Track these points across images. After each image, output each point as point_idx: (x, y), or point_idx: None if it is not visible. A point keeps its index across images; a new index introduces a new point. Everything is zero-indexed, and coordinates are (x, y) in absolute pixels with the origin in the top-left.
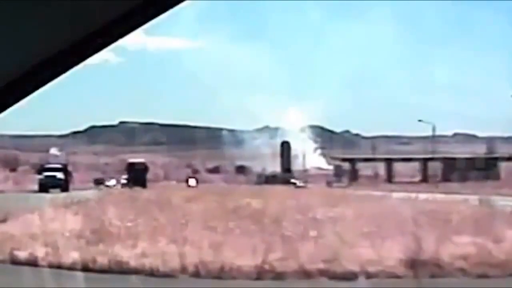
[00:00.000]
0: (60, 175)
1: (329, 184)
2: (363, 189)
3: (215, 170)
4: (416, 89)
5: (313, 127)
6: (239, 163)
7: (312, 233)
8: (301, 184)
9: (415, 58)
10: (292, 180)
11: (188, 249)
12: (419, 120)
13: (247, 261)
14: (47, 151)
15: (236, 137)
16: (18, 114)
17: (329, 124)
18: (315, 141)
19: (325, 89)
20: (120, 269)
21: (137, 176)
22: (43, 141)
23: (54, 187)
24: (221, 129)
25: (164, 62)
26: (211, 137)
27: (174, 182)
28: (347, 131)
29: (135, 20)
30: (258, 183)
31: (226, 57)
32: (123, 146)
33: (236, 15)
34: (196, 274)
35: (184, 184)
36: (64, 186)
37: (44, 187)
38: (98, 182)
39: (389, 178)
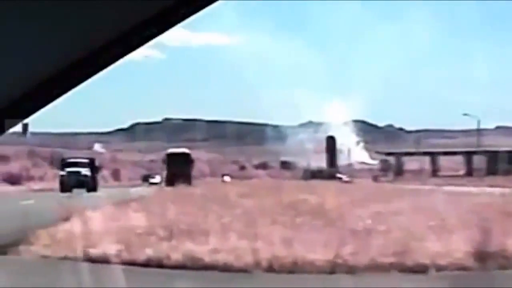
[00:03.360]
0: (85, 171)
1: (375, 178)
2: (410, 183)
3: (260, 166)
4: (457, 84)
5: (356, 121)
6: (283, 158)
7: (380, 227)
8: (347, 179)
9: (456, 53)
10: (338, 175)
11: (260, 244)
12: (464, 114)
13: (320, 256)
14: (92, 148)
15: (280, 133)
16: (62, 112)
17: (372, 119)
18: (358, 136)
19: (367, 83)
20: (195, 265)
21: (180, 170)
22: (87, 139)
23: (78, 186)
24: (264, 125)
25: (206, 58)
26: (254, 133)
27: (228, 178)
28: (390, 125)
29: (167, 20)
30: (304, 178)
31: (268, 52)
32: (167, 142)
33: (278, 10)
34: (270, 269)
35: (235, 180)
36: (90, 184)
37: (66, 185)
38: (145, 178)
39: (434, 172)
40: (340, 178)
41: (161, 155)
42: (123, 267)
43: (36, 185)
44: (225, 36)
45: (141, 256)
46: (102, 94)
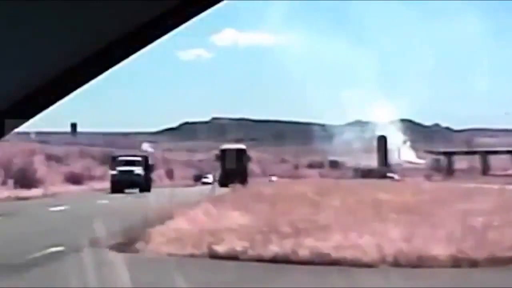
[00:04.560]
0: (138, 170)
1: (427, 177)
2: (464, 182)
3: (311, 165)
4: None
5: (402, 120)
6: (331, 157)
7: (493, 223)
8: (398, 178)
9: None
10: (389, 174)
11: (381, 240)
12: (506, 113)
13: (441, 250)
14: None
15: (327, 132)
16: (110, 112)
17: (418, 118)
18: (405, 135)
19: (414, 83)
20: (323, 261)
21: (236, 168)
22: (137, 138)
23: (130, 185)
24: (312, 124)
25: (254, 58)
26: (301, 132)
27: (275, 178)
28: (437, 124)
29: (172, 20)
30: (355, 177)
31: (315, 52)
32: (216, 142)
33: (325, 9)
34: (396, 264)
35: (290, 180)
36: (144, 184)
37: (117, 185)
38: (197, 178)
39: (484, 171)
40: (391, 177)
41: (209, 154)
42: (255, 263)
43: (97, 185)
44: (273, 36)
45: (267, 253)
46: (152, 93)
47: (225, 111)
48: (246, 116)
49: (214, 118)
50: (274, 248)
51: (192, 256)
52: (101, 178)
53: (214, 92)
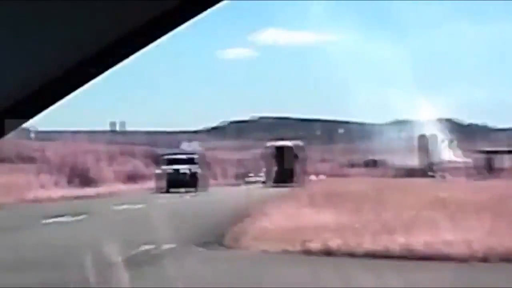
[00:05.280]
0: (186, 169)
1: (471, 176)
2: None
3: (354, 164)
4: None
5: (443, 119)
6: (371, 156)
7: None
8: (442, 177)
9: None
10: (432, 173)
11: (471, 236)
12: None
13: None
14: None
15: (368, 131)
16: (152, 111)
17: (459, 116)
18: (446, 134)
19: (454, 82)
20: (414, 256)
21: (288, 166)
22: (179, 137)
23: (178, 185)
24: (352, 123)
25: (296, 56)
26: (343, 131)
27: (323, 176)
28: (477, 123)
29: (173, 19)
30: (397, 176)
31: (357, 51)
32: (259, 141)
33: (366, 8)
34: (485, 259)
35: (339, 179)
36: (191, 184)
37: (170, 184)
38: (242, 177)
39: None
40: (433, 176)
41: (253, 153)
42: (351, 259)
43: (147, 184)
44: (314, 35)
45: (360, 249)
46: (195, 93)
47: (269, 110)
48: (289, 115)
49: (257, 117)
50: (367, 245)
51: (286, 252)
52: (149, 177)
53: (258, 91)
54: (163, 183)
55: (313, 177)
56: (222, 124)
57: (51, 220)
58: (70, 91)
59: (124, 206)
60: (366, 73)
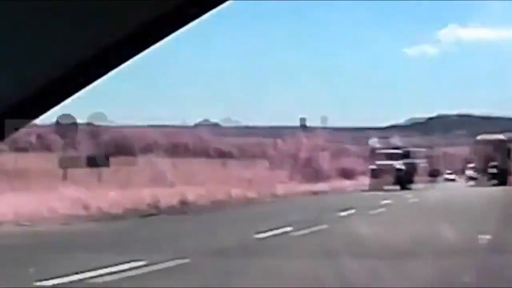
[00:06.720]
0: (400, 164)
1: None
2: None
3: None
4: None
5: None
6: None
7: None
8: None
9: None
10: None
11: None
12: None
13: None
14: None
15: None
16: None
17: None
18: None
19: None
20: None
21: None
22: (362, 134)
23: (394, 182)
24: None
25: (479, 53)
26: None
27: None
28: None
29: (177, 20)
30: None
31: None
32: (440, 138)
33: None
34: None
35: None
36: (405, 181)
37: (379, 182)
38: (433, 174)
39: None
40: None
41: (436, 151)
42: None
43: (363, 180)
44: (499, 30)
45: None
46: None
47: (451, 107)
48: (471, 112)
49: (440, 114)
50: None
51: None
52: (363, 173)
53: (440, 88)
54: (377, 181)
55: None
56: (403, 121)
57: (345, 213)
58: (72, 92)
59: (414, 199)
60: None
